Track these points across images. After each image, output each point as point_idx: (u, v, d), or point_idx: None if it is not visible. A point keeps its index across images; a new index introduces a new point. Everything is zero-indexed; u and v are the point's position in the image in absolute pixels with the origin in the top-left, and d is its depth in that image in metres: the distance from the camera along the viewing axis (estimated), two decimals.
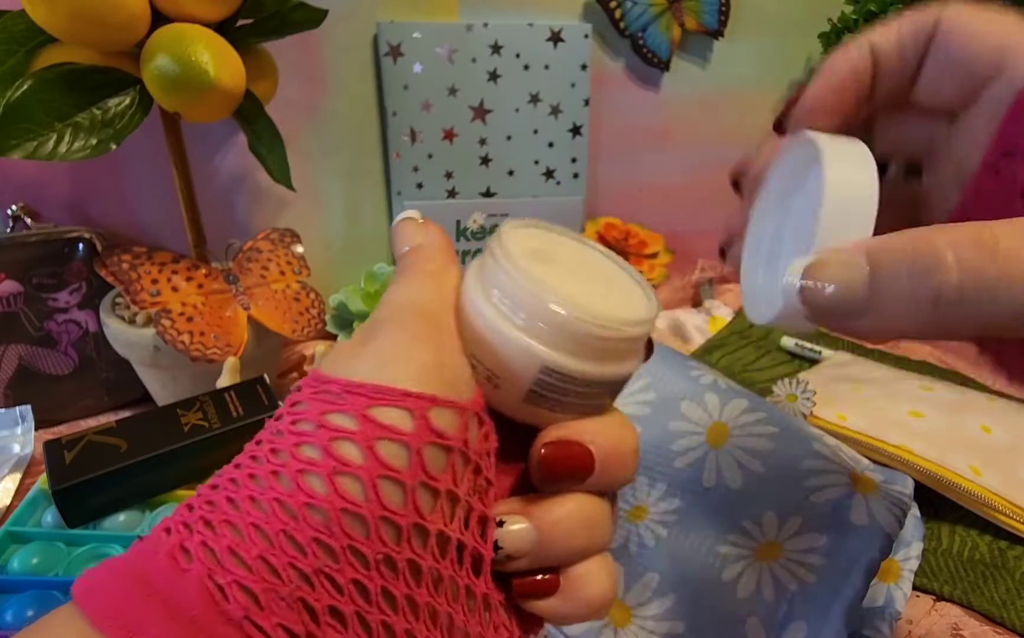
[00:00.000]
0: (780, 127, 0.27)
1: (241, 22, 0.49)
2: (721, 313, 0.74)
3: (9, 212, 0.55)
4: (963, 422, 0.47)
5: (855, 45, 0.24)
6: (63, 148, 0.42)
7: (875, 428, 0.46)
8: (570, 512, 0.19)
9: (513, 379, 0.18)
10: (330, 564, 0.15)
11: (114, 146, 0.44)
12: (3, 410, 0.52)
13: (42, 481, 0.43)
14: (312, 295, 0.58)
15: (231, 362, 0.49)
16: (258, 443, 0.17)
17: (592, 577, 0.20)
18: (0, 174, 0.56)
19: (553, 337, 0.18)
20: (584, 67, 0.69)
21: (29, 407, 0.52)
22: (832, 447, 0.37)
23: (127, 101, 0.45)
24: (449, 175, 0.70)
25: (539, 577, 0.19)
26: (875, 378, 0.55)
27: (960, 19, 0.23)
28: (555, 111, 0.70)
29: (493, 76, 0.68)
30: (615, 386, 0.20)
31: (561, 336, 0.18)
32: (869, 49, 0.24)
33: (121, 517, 0.40)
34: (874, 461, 0.38)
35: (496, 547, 0.19)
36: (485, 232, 0.72)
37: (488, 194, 0.72)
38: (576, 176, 0.74)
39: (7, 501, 0.46)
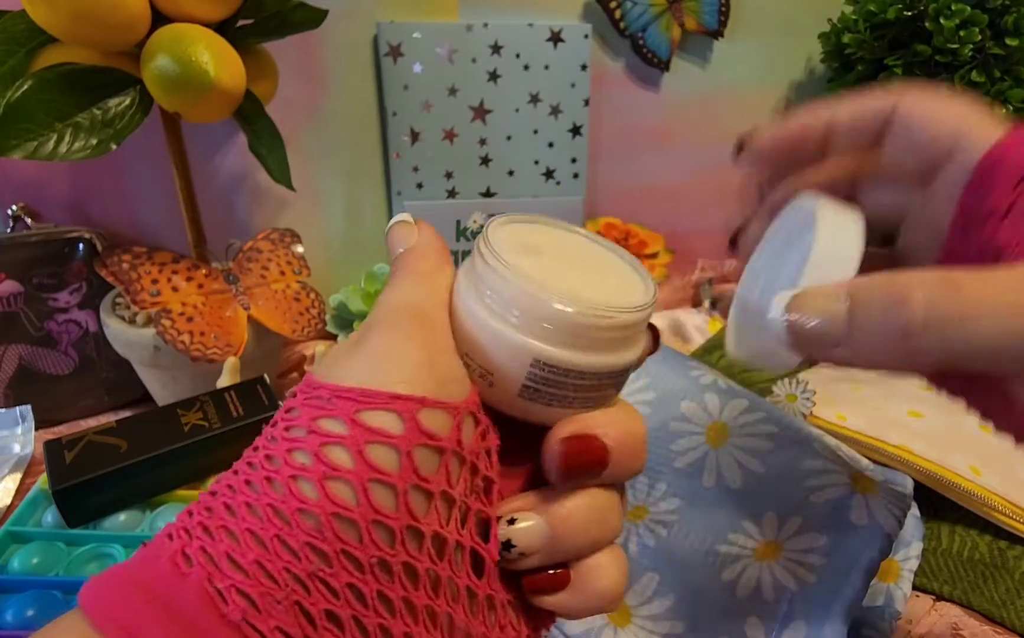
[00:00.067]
0: (738, 153, 0.29)
1: (241, 22, 0.49)
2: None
3: (9, 212, 0.55)
4: (963, 422, 0.47)
5: (813, 109, 0.27)
6: (63, 148, 0.42)
7: (875, 428, 0.46)
8: (582, 506, 0.19)
9: (505, 375, 0.18)
10: (324, 568, 0.15)
11: (114, 146, 0.44)
12: (3, 410, 0.52)
13: (42, 481, 0.43)
14: (312, 295, 0.58)
15: (231, 362, 0.49)
16: (255, 449, 0.17)
17: (603, 570, 0.20)
18: (0, 174, 0.56)
19: (541, 329, 0.18)
20: (584, 67, 0.69)
21: (29, 407, 0.52)
22: (832, 447, 0.37)
23: (127, 101, 0.45)
24: (449, 175, 0.70)
25: (550, 572, 0.19)
26: (875, 378, 0.55)
27: (917, 104, 0.26)
28: (555, 111, 0.70)
29: (493, 76, 0.68)
30: (615, 377, 0.20)
31: (549, 328, 0.18)
32: (825, 118, 0.27)
33: (121, 517, 0.40)
34: (874, 461, 0.38)
35: (509, 545, 0.19)
36: None
37: (488, 194, 0.72)
38: (576, 176, 0.74)
39: (7, 501, 0.46)
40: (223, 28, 0.47)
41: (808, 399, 0.50)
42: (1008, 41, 0.56)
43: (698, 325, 0.72)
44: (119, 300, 0.54)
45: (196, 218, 0.54)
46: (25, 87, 0.41)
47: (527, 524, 0.19)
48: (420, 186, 0.69)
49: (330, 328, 0.65)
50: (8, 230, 0.55)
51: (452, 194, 0.71)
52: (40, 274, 0.54)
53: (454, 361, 0.19)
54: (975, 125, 0.25)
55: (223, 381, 0.48)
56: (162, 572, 0.15)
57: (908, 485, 0.34)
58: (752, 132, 0.28)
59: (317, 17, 0.53)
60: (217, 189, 0.63)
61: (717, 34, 0.72)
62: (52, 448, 0.40)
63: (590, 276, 0.20)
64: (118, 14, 0.41)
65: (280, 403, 0.45)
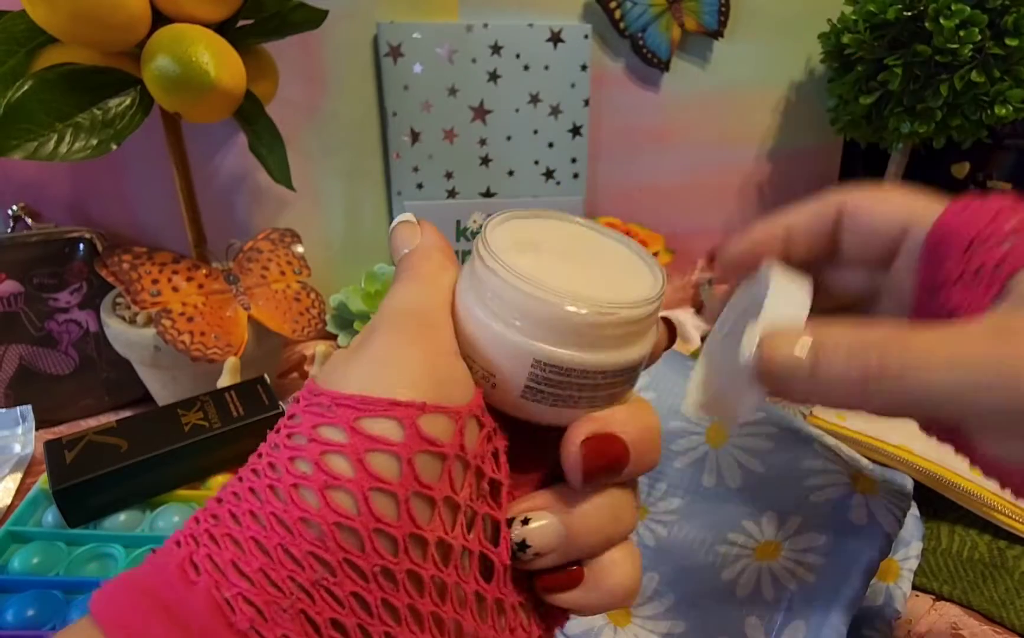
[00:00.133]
0: (710, 262, 0.32)
1: (241, 22, 0.49)
2: None
3: (10, 212, 0.55)
4: None
5: (772, 222, 0.31)
6: (64, 148, 0.42)
7: (875, 428, 0.46)
8: (597, 504, 0.19)
9: (507, 377, 0.18)
10: (328, 577, 0.15)
11: (115, 146, 0.44)
12: (4, 410, 0.52)
13: (43, 481, 0.43)
14: (312, 295, 0.58)
15: (231, 362, 0.49)
16: (259, 456, 0.17)
17: (617, 566, 0.20)
18: (1, 174, 0.57)
19: (540, 329, 0.17)
20: (584, 67, 0.70)
21: (30, 407, 0.52)
22: (832, 447, 0.37)
23: (128, 101, 0.45)
24: (449, 175, 0.70)
25: (563, 571, 0.19)
26: None
27: (860, 201, 0.29)
28: (555, 111, 0.70)
29: (493, 76, 0.68)
30: (623, 374, 0.19)
31: (548, 327, 0.17)
32: (784, 225, 0.31)
33: (121, 517, 0.40)
34: (874, 461, 0.38)
35: (524, 545, 0.18)
36: None
37: (488, 194, 0.72)
38: (576, 176, 0.74)
39: (8, 501, 0.46)
40: (223, 28, 0.47)
41: None
42: (1008, 41, 0.56)
43: (698, 325, 0.72)
44: (119, 300, 0.54)
45: (196, 218, 0.54)
46: (25, 87, 0.41)
47: (541, 524, 0.19)
48: (420, 186, 0.69)
49: (330, 328, 0.65)
50: (8, 230, 0.56)
51: (452, 194, 0.71)
52: (40, 274, 0.54)
53: (457, 364, 0.19)
54: (921, 206, 0.28)
55: (223, 381, 0.49)
56: (170, 579, 0.15)
57: (908, 485, 0.34)
58: (720, 247, 0.31)
59: (317, 17, 0.53)
60: (217, 189, 0.63)
61: (717, 34, 0.72)
62: (52, 448, 0.40)
63: (592, 270, 0.20)
64: (118, 14, 0.41)
65: (280, 403, 0.46)
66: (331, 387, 0.17)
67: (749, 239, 0.31)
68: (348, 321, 0.64)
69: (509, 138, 0.70)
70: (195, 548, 0.16)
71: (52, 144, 0.42)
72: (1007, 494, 0.42)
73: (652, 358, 0.20)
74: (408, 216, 0.22)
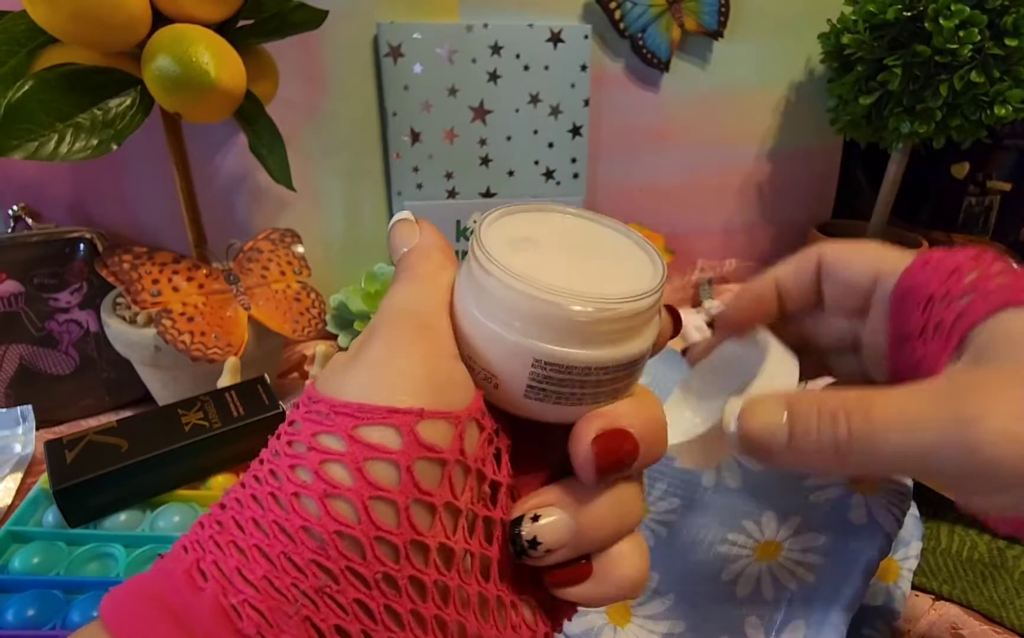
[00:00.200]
0: (711, 326, 0.34)
1: (241, 23, 0.49)
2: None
3: (10, 212, 0.55)
4: None
5: (762, 279, 0.33)
6: (64, 148, 0.42)
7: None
8: (606, 498, 0.19)
9: (508, 377, 0.18)
10: (331, 585, 0.15)
11: (115, 146, 0.44)
12: (4, 410, 0.52)
13: (43, 481, 0.43)
14: (312, 295, 0.58)
15: (232, 362, 0.49)
16: (260, 462, 0.17)
17: (625, 558, 0.20)
18: (1, 174, 0.57)
19: (538, 329, 0.17)
20: (584, 68, 0.70)
21: (30, 407, 0.52)
22: None
23: (128, 101, 0.45)
24: (449, 175, 0.70)
25: (572, 565, 0.19)
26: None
27: (836, 253, 0.32)
28: (555, 111, 0.71)
29: (493, 77, 0.68)
30: (626, 368, 0.19)
31: (546, 326, 0.17)
32: (773, 280, 0.33)
33: (122, 517, 0.40)
34: None
35: (535, 542, 0.18)
36: None
37: (488, 194, 0.72)
38: (576, 176, 0.74)
39: (8, 501, 0.46)
40: (223, 28, 0.47)
41: None
42: (1008, 41, 0.56)
43: (698, 325, 0.72)
44: (120, 300, 0.54)
45: (196, 218, 0.54)
46: (26, 87, 0.41)
47: (551, 520, 0.18)
48: (420, 186, 0.70)
49: (330, 328, 0.65)
50: (9, 230, 0.56)
51: (452, 194, 0.71)
52: (41, 274, 0.54)
53: (456, 366, 0.18)
54: (891, 259, 0.30)
55: (223, 381, 0.49)
56: (177, 585, 0.15)
57: (908, 484, 0.34)
58: (719, 313, 0.34)
59: (317, 18, 0.53)
60: (217, 189, 0.64)
61: (717, 34, 0.72)
62: (53, 448, 0.40)
63: (590, 263, 0.19)
64: (119, 14, 0.41)
65: (280, 403, 0.46)
66: (330, 393, 0.17)
67: (746, 297, 0.33)
68: (348, 321, 0.64)
69: (509, 138, 0.70)
70: (202, 554, 0.16)
71: (52, 144, 0.42)
72: None
73: (657, 347, 0.20)
74: (406, 214, 0.22)
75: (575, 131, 0.72)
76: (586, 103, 0.71)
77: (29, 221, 0.56)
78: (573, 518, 0.19)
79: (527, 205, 0.21)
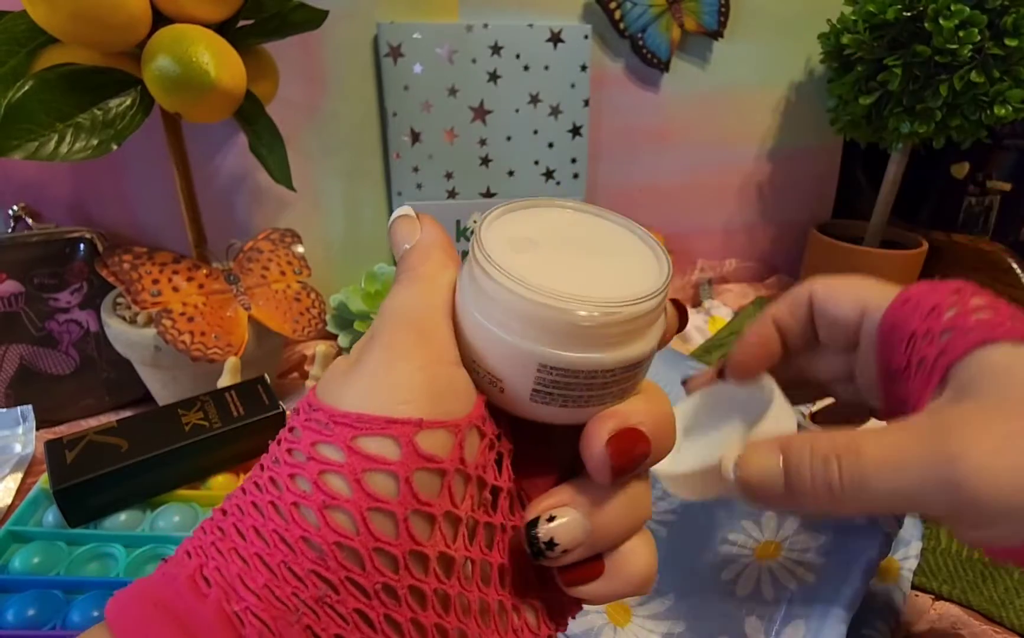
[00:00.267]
0: (721, 374, 0.35)
1: (242, 23, 0.49)
2: (720, 313, 0.74)
3: (10, 212, 0.55)
4: None
5: (762, 321, 0.34)
6: (64, 148, 0.42)
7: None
8: (618, 496, 0.19)
9: (514, 382, 0.18)
10: (331, 594, 0.15)
11: (115, 146, 0.44)
12: (4, 410, 0.52)
13: (43, 481, 0.43)
14: (312, 295, 0.58)
15: (232, 362, 0.49)
16: (261, 468, 0.17)
17: (636, 554, 0.20)
18: (1, 174, 0.57)
19: (543, 334, 0.17)
20: (584, 68, 0.70)
21: (30, 407, 0.52)
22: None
23: (128, 101, 0.45)
24: (449, 175, 0.70)
25: (585, 564, 0.19)
26: None
27: (824, 290, 0.33)
28: (555, 112, 0.71)
29: (493, 77, 0.68)
30: (634, 367, 0.18)
31: (552, 331, 0.17)
32: (772, 321, 0.34)
33: (122, 517, 0.40)
34: None
35: (551, 543, 0.18)
36: None
37: (488, 194, 0.72)
38: (576, 176, 0.74)
39: (8, 501, 0.46)
40: (223, 29, 0.47)
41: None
42: (1007, 41, 0.56)
43: (698, 325, 0.72)
44: (120, 300, 0.54)
45: (197, 218, 0.54)
46: (26, 87, 0.41)
47: (566, 520, 0.18)
48: (420, 186, 0.70)
49: (330, 328, 0.65)
50: (9, 230, 0.56)
51: (452, 194, 0.71)
52: (41, 274, 0.54)
53: (456, 373, 0.18)
54: (874, 295, 0.31)
55: (224, 381, 0.49)
56: (181, 591, 0.15)
57: None
58: (727, 361, 0.35)
59: (317, 18, 0.53)
60: (217, 189, 0.64)
61: (717, 35, 0.72)
62: (53, 448, 0.40)
63: (594, 261, 0.19)
64: (119, 14, 0.41)
65: (280, 403, 0.46)
66: (329, 401, 0.17)
67: (752, 341, 0.34)
68: (348, 321, 0.64)
69: (509, 138, 0.70)
70: (205, 560, 0.16)
71: (53, 144, 0.42)
72: None
73: (663, 342, 0.20)
74: (407, 210, 0.21)
75: (575, 131, 0.72)
76: (586, 103, 0.71)
77: (29, 221, 0.56)
78: (587, 517, 0.19)
79: (528, 201, 0.20)
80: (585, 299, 0.16)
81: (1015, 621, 0.38)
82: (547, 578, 0.20)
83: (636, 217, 0.21)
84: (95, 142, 0.43)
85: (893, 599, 0.37)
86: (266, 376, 0.49)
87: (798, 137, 0.80)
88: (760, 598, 0.32)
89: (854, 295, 0.32)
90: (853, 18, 0.63)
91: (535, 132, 0.71)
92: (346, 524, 0.16)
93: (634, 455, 0.18)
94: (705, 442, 0.34)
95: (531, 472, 0.20)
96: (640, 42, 0.71)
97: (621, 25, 0.69)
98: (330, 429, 0.17)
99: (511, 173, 0.72)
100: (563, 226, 0.20)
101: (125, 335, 0.51)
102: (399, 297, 0.19)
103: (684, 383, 0.37)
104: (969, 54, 0.56)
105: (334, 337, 0.66)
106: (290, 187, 0.54)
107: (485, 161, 0.71)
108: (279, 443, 0.18)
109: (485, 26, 0.66)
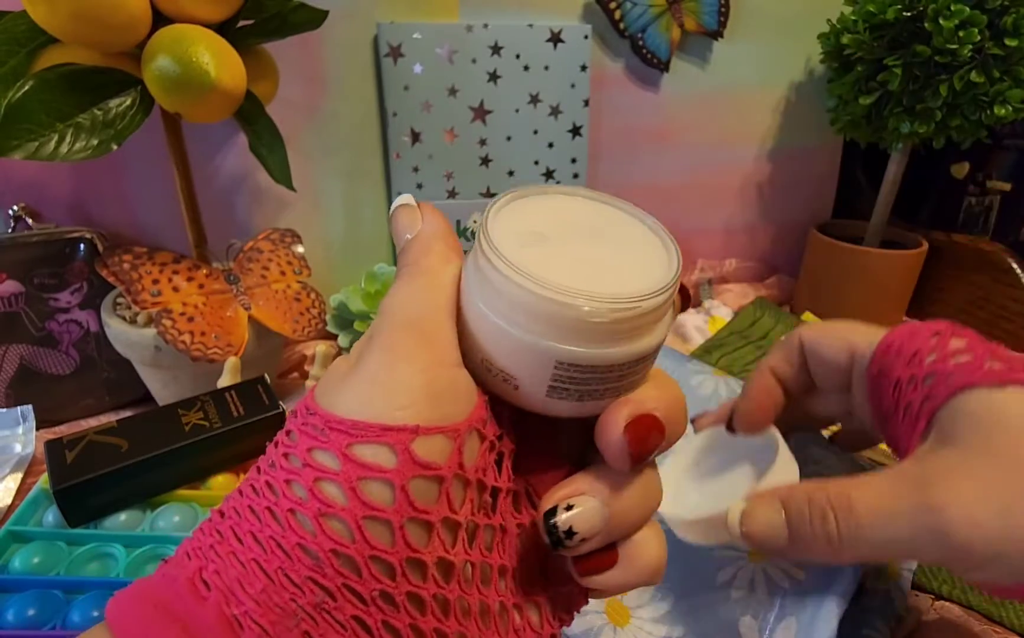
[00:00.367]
0: (730, 428, 0.36)
1: (242, 23, 0.49)
2: (721, 313, 0.74)
3: (10, 212, 0.56)
4: None
5: (761, 372, 0.36)
6: (64, 148, 0.42)
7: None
8: (633, 483, 0.19)
9: (529, 379, 0.18)
10: (328, 601, 0.15)
11: (115, 146, 0.44)
12: (4, 410, 0.52)
13: (43, 481, 0.43)
14: (312, 295, 0.58)
15: (232, 362, 0.49)
16: (258, 472, 0.17)
17: (647, 544, 0.20)
18: (1, 174, 0.57)
19: (558, 331, 0.17)
20: (584, 68, 0.70)
21: (30, 407, 0.52)
22: (828, 447, 0.37)
23: (128, 102, 0.45)
24: (449, 175, 0.70)
25: (601, 554, 0.19)
26: None
27: (813, 336, 0.34)
28: (555, 112, 0.71)
29: (493, 77, 0.68)
30: (648, 358, 0.18)
31: (568, 329, 0.16)
32: (770, 371, 0.35)
33: (122, 516, 0.40)
34: (873, 460, 0.39)
35: (571, 532, 0.18)
36: None
37: (488, 194, 0.72)
38: (576, 176, 0.74)
39: (8, 501, 0.46)
40: (224, 29, 0.47)
41: None
42: (1007, 41, 0.56)
43: (698, 325, 0.72)
44: (120, 300, 0.54)
45: (197, 218, 0.54)
46: (26, 87, 0.41)
47: (584, 509, 0.18)
48: (420, 186, 0.70)
49: (330, 328, 0.65)
50: (9, 230, 0.56)
51: (452, 194, 0.71)
52: (41, 274, 0.54)
53: (457, 375, 0.18)
54: (861, 340, 0.32)
55: (224, 381, 0.49)
56: (181, 593, 0.15)
57: None
58: (735, 415, 0.36)
59: (317, 18, 0.53)
60: (218, 189, 0.64)
61: (717, 35, 0.72)
62: (53, 448, 0.40)
63: (604, 253, 0.19)
64: (119, 15, 0.41)
65: (280, 403, 0.46)
66: (327, 404, 0.17)
67: (756, 394, 0.35)
68: (348, 321, 0.64)
69: (509, 138, 0.70)
70: (204, 563, 0.16)
71: (53, 144, 0.42)
72: None
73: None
74: (407, 198, 0.21)
75: (575, 131, 0.72)
76: (586, 103, 0.71)
77: (29, 221, 0.56)
78: (605, 505, 0.18)
79: (534, 188, 0.20)
80: (595, 295, 0.16)
81: (1015, 621, 0.38)
82: (552, 574, 0.20)
83: None
84: (95, 142, 0.43)
85: (893, 599, 0.37)
86: (266, 376, 0.49)
87: (798, 137, 0.80)
88: (754, 599, 0.33)
89: (841, 339, 0.33)
90: (853, 18, 0.63)
91: (535, 132, 0.71)
92: (342, 532, 0.16)
93: (650, 441, 0.18)
94: (712, 489, 0.36)
95: (539, 467, 0.20)
96: (640, 42, 0.71)
97: (621, 25, 0.69)
98: (326, 435, 0.16)
99: (511, 173, 0.72)
100: (571, 215, 0.20)
101: (125, 335, 0.51)
102: (400, 295, 0.19)
103: (693, 421, 0.38)
104: (969, 54, 0.56)
105: (334, 337, 0.66)
106: (290, 187, 0.54)
107: (485, 161, 0.71)
108: (276, 446, 0.17)
109: (485, 26, 0.66)
